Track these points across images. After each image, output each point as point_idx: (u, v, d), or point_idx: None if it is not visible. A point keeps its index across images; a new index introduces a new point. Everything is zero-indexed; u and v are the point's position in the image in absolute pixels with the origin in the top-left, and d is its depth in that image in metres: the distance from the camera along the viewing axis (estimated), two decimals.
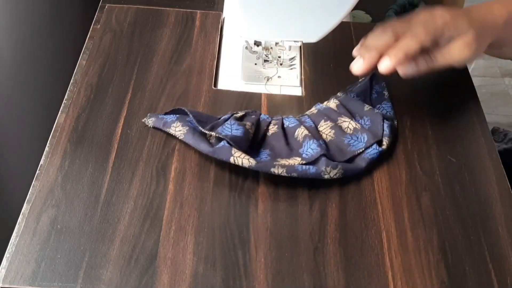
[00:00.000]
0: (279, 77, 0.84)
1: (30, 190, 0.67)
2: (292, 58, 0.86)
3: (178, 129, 0.72)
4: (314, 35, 0.81)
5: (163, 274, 0.60)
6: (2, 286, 0.58)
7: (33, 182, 0.68)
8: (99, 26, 0.89)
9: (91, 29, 0.89)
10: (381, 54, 0.71)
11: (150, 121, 0.74)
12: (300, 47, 0.87)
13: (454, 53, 0.72)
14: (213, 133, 0.70)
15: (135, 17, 0.91)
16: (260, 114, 0.75)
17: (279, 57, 0.86)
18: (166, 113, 0.75)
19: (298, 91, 0.82)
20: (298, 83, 0.83)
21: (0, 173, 1.06)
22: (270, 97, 0.80)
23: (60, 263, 0.60)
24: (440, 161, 0.73)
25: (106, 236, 0.63)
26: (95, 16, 0.91)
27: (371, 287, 0.60)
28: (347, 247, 0.63)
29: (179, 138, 0.71)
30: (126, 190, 0.67)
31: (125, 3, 0.94)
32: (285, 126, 0.73)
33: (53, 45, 1.04)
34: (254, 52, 0.86)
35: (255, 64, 0.85)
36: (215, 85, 0.82)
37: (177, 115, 0.74)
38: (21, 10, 0.97)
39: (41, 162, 0.70)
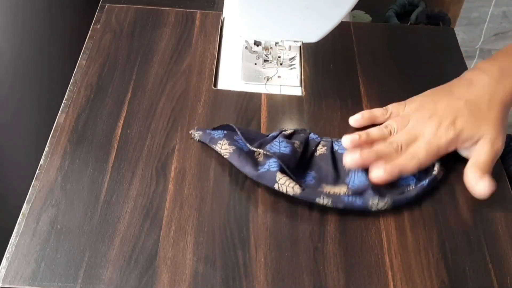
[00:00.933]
0: (279, 77, 0.84)
1: (30, 190, 0.67)
2: (292, 58, 0.86)
3: (224, 147, 0.70)
4: (314, 35, 0.81)
5: (163, 274, 0.60)
6: (2, 286, 0.58)
7: (33, 182, 0.68)
8: (99, 26, 0.89)
9: (91, 29, 0.89)
10: (378, 157, 0.68)
11: (196, 135, 0.73)
12: (300, 47, 0.87)
13: (480, 158, 0.68)
14: (261, 151, 0.69)
15: (135, 17, 0.91)
16: (310, 133, 0.73)
17: (279, 57, 0.86)
18: (214, 128, 0.73)
19: (298, 91, 0.82)
20: (298, 83, 0.83)
21: (0, 173, 1.06)
22: (270, 97, 0.80)
23: (60, 263, 0.60)
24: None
25: (106, 236, 0.63)
26: (95, 16, 0.91)
27: (371, 287, 0.60)
28: (347, 247, 0.63)
29: (224, 156, 0.70)
30: (126, 190, 0.67)
31: (125, 3, 0.94)
32: (334, 150, 0.71)
33: (53, 45, 1.04)
34: (254, 52, 0.86)
35: (255, 64, 0.85)
36: (215, 85, 0.82)
37: (225, 132, 0.72)
38: (21, 10, 0.97)
39: (41, 162, 0.70)
